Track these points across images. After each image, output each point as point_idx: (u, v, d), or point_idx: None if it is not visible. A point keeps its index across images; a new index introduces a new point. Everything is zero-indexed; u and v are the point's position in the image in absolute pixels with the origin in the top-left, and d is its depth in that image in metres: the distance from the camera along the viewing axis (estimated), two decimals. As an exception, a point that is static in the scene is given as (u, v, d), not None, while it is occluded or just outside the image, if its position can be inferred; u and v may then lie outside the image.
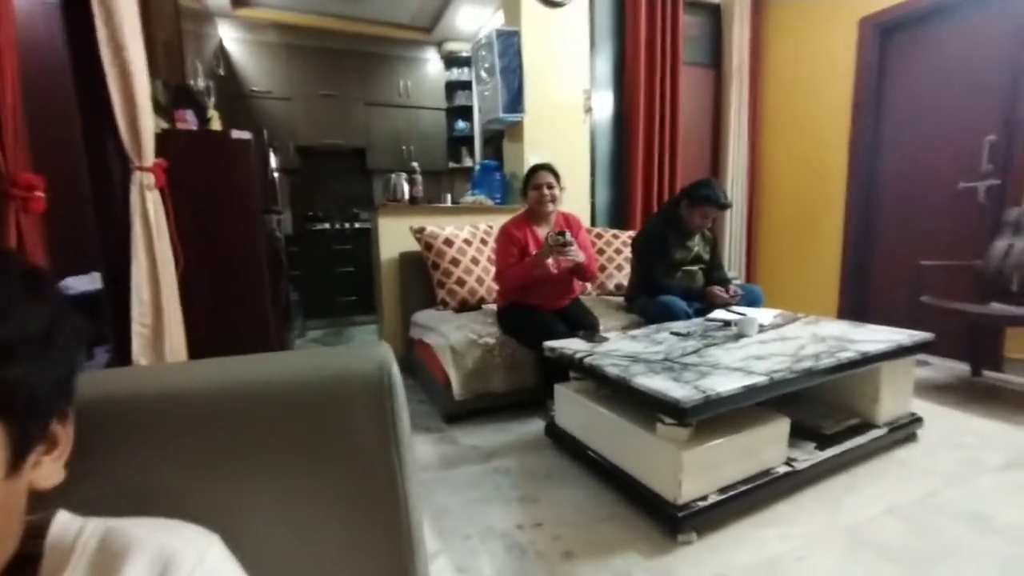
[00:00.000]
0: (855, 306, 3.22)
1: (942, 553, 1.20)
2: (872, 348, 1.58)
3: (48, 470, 0.32)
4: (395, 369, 0.49)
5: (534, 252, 2.05)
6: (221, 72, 3.43)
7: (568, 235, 1.92)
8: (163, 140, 1.88)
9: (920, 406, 1.89)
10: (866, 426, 1.67)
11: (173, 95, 2.27)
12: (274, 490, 0.47)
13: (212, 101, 2.66)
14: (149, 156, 1.69)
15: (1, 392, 0.27)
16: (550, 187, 2.10)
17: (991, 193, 2.53)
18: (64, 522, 0.34)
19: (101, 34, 1.47)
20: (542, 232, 2.15)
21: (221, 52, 3.67)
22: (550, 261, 1.95)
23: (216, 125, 2.45)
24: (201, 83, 2.57)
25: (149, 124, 1.67)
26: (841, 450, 1.55)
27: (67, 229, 1.67)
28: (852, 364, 1.52)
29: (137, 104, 1.59)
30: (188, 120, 2.18)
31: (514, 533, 1.33)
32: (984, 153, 2.53)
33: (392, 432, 0.49)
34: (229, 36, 3.82)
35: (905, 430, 1.73)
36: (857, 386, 1.71)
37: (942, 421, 1.91)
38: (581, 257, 1.97)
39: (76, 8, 1.51)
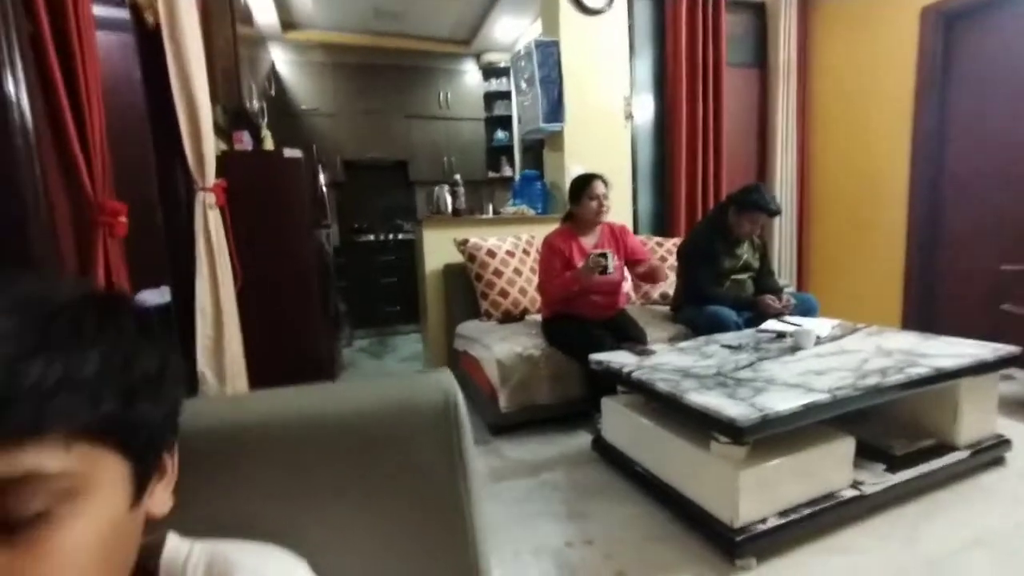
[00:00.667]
0: (922, 316, 3.00)
1: (1038, 591, 1.09)
2: (948, 363, 1.46)
3: (160, 498, 0.35)
4: (460, 399, 0.50)
5: (578, 262, 2.03)
6: (272, 93, 3.61)
7: (610, 256, 1.89)
8: (222, 161, 1.99)
9: (1007, 426, 1.73)
10: (944, 448, 1.54)
11: (231, 118, 2.40)
12: (347, 517, 0.48)
13: (265, 121, 2.80)
14: (211, 177, 1.79)
15: (126, 431, 0.29)
16: (606, 197, 2.09)
17: (1080, 191, 2.31)
18: (175, 545, 0.37)
19: (171, 68, 1.58)
20: (587, 242, 2.13)
21: (272, 73, 3.86)
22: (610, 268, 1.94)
23: (268, 143, 2.57)
24: (256, 104, 2.71)
25: (211, 147, 1.77)
26: (916, 474, 1.44)
27: (141, 246, 1.79)
28: (925, 381, 1.42)
29: (201, 129, 1.70)
30: (244, 141, 2.31)
31: (564, 551, 1.31)
32: (1069, 147, 2.32)
33: (459, 462, 0.49)
34: (280, 58, 4.02)
35: (990, 453, 1.59)
36: (931, 404, 1.59)
37: (1030, 442, 1.74)
38: (625, 282, 2.05)
39: (150, 45, 1.62)
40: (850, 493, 1.35)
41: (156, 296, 1.96)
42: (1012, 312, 2.09)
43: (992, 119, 2.66)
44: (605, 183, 2.11)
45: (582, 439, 1.95)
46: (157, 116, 1.72)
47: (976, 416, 1.58)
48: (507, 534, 1.39)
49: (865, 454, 1.46)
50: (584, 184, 2.10)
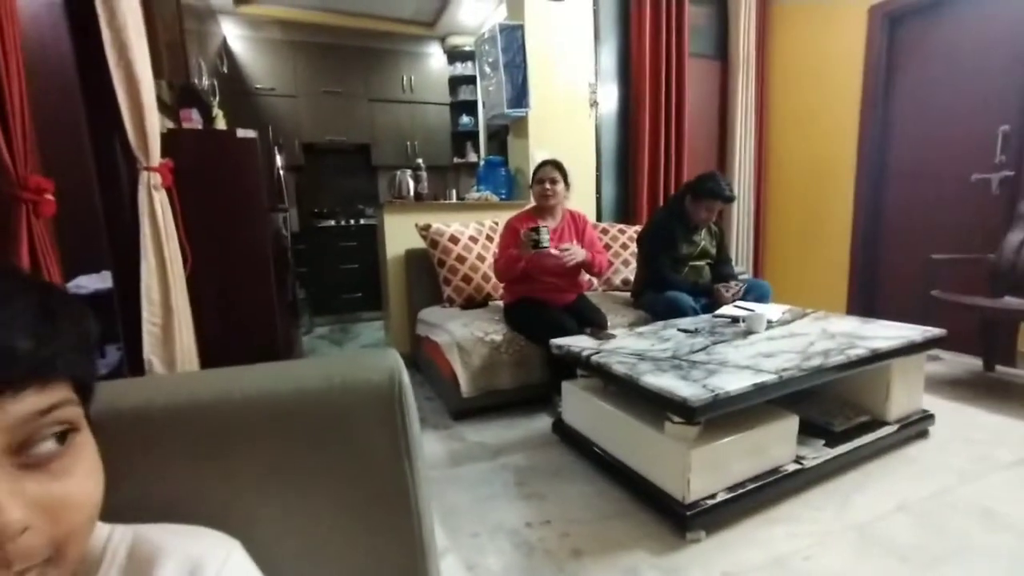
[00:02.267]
0: (865, 301, 3.19)
1: (953, 551, 1.19)
2: (883, 345, 1.56)
3: None
4: (405, 378, 0.49)
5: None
6: (225, 70, 3.43)
7: (543, 231, 1.94)
8: (169, 140, 1.88)
9: (931, 402, 1.87)
10: (877, 423, 1.65)
11: (178, 94, 2.27)
12: (286, 498, 0.47)
13: (216, 99, 2.67)
14: (156, 156, 1.69)
15: (85, 377, 0.34)
16: (553, 182, 2.13)
17: (1005, 185, 2.49)
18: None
19: (105, 34, 1.47)
20: (547, 226, 2.14)
21: (224, 50, 3.66)
22: (553, 252, 1.99)
23: (221, 123, 2.45)
24: (205, 82, 2.57)
25: (155, 124, 1.67)
26: (851, 447, 1.54)
27: (77, 228, 1.68)
28: (863, 361, 1.51)
29: (143, 104, 1.60)
30: (193, 119, 2.19)
31: (523, 531, 1.33)
32: (998, 144, 2.49)
33: (403, 440, 0.49)
34: (232, 33, 3.82)
35: (916, 427, 1.71)
36: (868, 383, 1.70)
37: (954, 417, 1.89)
38: (581, 255, 2.05)
39: (80, 9, 1.50)
40: (792, 467, 1.43)
41: (96, 281, 1.85)
42: (940, 298, 2.23)
43: (929, 116, 2.82)
44: (559, 168, 2.16)
45: (542, 422, 1.98)
46: (92, 89, 1.60)
47: (905, 393, 1.70)
48: (466, 517, 1.41)
49: (808, 431, 1.55)
50: (536, 169, 2.20)
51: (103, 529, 0.36)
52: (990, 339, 2.41)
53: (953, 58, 2.69)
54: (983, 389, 2.21)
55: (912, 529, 1.28)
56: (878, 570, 1.15)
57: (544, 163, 2.19)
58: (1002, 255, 2.27)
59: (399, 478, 0.49)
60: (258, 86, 3.95)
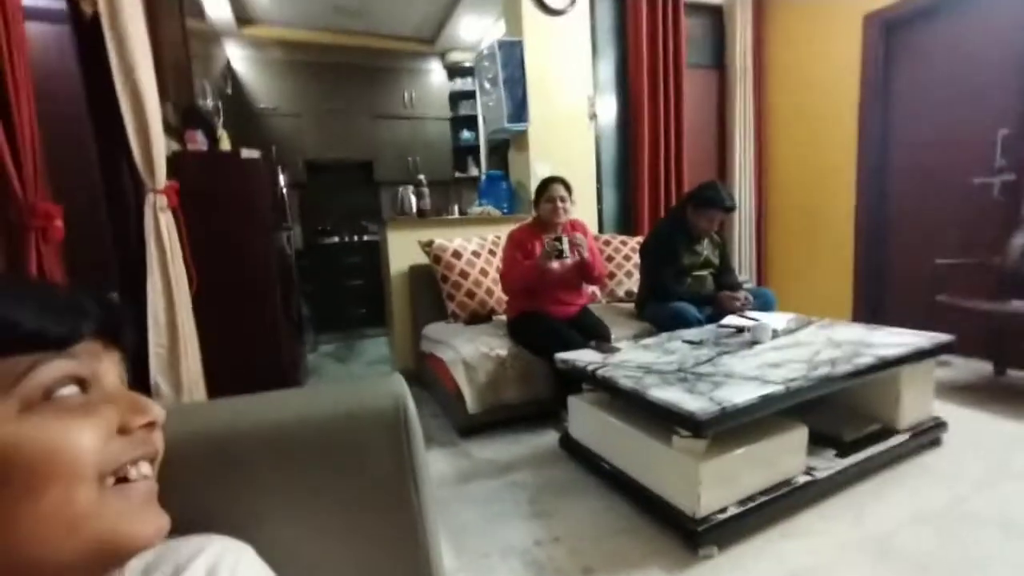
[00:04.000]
0: (870, 307, 3.17)
1: (973, 561, 1.17)
2: (890, 352, 1.55)
3: None
4: (410, 404, 0.49)
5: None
6: (229, 91, 3.49)
7: (565, 240, 1.97)
8: (175, 161, 1.91)
9: (943, 409, 1.85)
10: (888, 432, 1.63)
11: (183, 116, 2.31)
12: (295, 521, 0.47)
13: (221, 120, 2.70)
14: (162, 178, 1.71)
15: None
16: (563, 200, 2.13)
17: (1006, 188, 2.48)
18: None
19: (113, 60, 1.50)
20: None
21: (229, 71, 3.72)
22: (555, 265, 1.99)
23: (225, 144, 2.48)
24: (210, 103, 2.61)
25: (161, 147, 1.69)
26: (862, 457, 1.52)
27: (85, 251, 1.69)
28: (870, 369, 1.49)
29: (149, 127, 1.62)
30: (198, 140, 2.22)
31: (532, 549, 1.32)
32: (998, 148, 2.49)
33: (409, 465, 0.49)
34: (236, 55, 3.88)
35: (929, 435, 1.69)
36: (876, 391, 1.68)
37: (967, 424, 1.86)
38: (585, 254, 2.05)
39: (88, 35, 1.54)
40: (804, 479, 1.42)
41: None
42: (946, 303, 2.22)
43: (929, 122, 2.83)
44: (566, 186, 2.16)
45: (549, 438, 1.96)
46: (100, 113, 1.63)
47: (915, 401, 1.68)
48: (475, 535, 1.39)
49: (817, 441, 1.53)
50: (543, 188, 2.18)
51: None
52: (1000, 343, 2.39)
53: (950, 63, 2.70)
54: (995, 394, 2.18)
55: (930, 540, 1.25)
56: (895, 584, 1.13)
57: (552, 180, 2.17)
58: (1007, 258, 2.26)
59: (406, 501, 0.50)
60: (262, 106, 4.00)
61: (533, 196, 2.23)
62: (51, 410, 0.29)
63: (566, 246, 1.97)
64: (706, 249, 2.43)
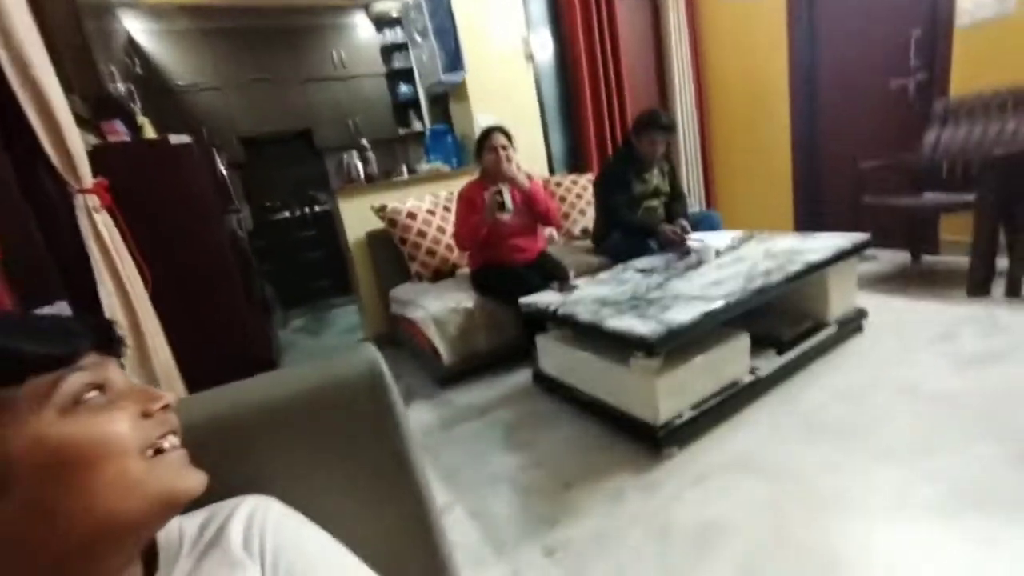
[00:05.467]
0: (809, 215, 3.38)
1: (880, 421, 1.39)
2: (816, 257, 1.71)
3: None
4: (384, 367, 0.57)
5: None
6: (139, 71, 3.23)
7: (506, 192, 2.04)
8: (97, 157, 1.81)
9: (867, 299, 2.07)
10: (819, 326, 1.83)
11: (94, 106, 2.16)
12: (300, 481, 0.55)
13: (139, 106, 2.54)
14: (87, 176, 1.64)
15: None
16: (504, 148, 2.14)
17: (920, 88, 2.63)
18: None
19: (2, 55, 1.39)
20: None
21: (132, 48, 3.42)
22: (506, 217, 2.05)
23: (150, 131, 2.35)
24: (121, 88, 2.44)
25: (78, 142, 1.60)
26: (798, 352, 1.72)
27: (22, 263, 1.64)
28: (799, 275, 1.65)
29: (59, 123, 1.52)
30: (119, 131, 2.10)
31: (518, 476, 1.47)
32: (912, 48, 2.62)
33: (390, 420, 0.58)
34: (137, 28, 3.55)
35: (852, 323, 1.91)
36: (808, 292, 1.86)
37: (886, 309, 2.09)
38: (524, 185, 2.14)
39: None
40: (748, 379, 1.60)
41: (53, 312, 1.82)
42: (869, 203, 2.41)
43: (853, 25, 2.91)
44: (505, 133, 2.17)
45: (522, 376, 2.10)
46: (2, 120, 1.52)
47: (841, 296, 1.88)
48: (464, 471, 1.53)
49: (760, 343, 1.71)
50: (483, 138, 2.18)
51: (173, 521, 0.45)
52: (915, 233, 2.63)
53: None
54: (911, 279, 2.43)
55: (848, 410, 1.47)
56: (819, 448, 1.33)
57: (490, 130, 2.17)
58: (920, 155, 2.44)
59: (392, 450, 0.58)
60: (179, 83, 3.73)
61: (475, 150, 2.23)
62: (84, 411, 0.37)
63: (507, 198, 2.03)
64: (656, 178, 2.51)
